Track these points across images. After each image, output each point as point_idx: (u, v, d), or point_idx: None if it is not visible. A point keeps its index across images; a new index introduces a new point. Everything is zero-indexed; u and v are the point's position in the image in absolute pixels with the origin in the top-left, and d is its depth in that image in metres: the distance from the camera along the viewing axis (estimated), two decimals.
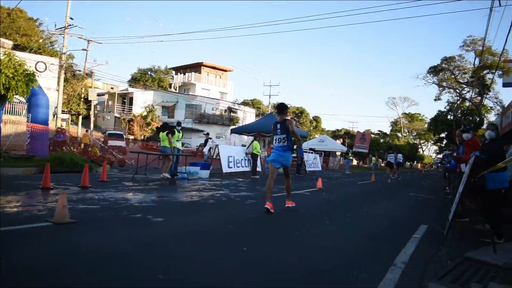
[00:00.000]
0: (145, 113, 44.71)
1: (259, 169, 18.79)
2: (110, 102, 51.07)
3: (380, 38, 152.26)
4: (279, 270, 3.96)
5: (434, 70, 41.58)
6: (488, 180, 6.01)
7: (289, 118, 7.84)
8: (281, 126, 7.62)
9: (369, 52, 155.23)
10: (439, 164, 47.26)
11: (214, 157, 18.93)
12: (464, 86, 41.85)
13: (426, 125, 71.85)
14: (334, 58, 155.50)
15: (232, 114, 57.81)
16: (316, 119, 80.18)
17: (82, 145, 19.99)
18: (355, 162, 59.09)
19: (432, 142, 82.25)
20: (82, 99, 37.07)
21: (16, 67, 12.40)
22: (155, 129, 42.60)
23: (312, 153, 30.04)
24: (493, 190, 6.06)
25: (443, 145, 55.80)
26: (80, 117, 36.79)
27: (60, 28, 28.72)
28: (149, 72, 58.50)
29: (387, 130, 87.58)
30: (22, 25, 41.53)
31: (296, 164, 22.05)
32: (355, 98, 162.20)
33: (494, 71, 31.43)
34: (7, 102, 14.00)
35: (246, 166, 18.41)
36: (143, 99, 48.65)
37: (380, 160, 60.22)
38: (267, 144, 31.59)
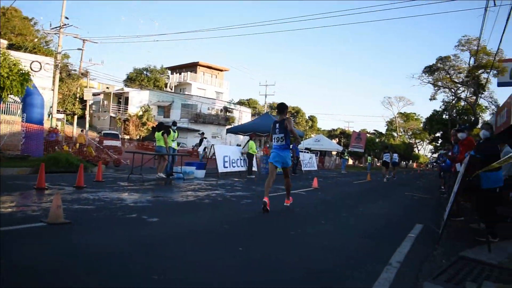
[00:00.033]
0: (140, 113, 44.62)
1: (254, 168, 18.79)
2: (105, 102, 50.92)
3: (375, 38, 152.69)
4: (274, 270, 3.95)
5: (429, 70, 41.65)
6: (483, 180, 6.03)
7: (288, 118, 7.89)
8: (280, 125, 7.71)
9: (365, 51, 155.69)
10: (435, 164, 47.43)
11: (210, 157, 18.91)
12: (459, 85, 41.96)
13: (421, 125, 71.97)
14: (330, 58, 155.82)
15: (228, 113, 57.79)
16: (312, 118, 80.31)
17: (78, 145, 19.91)
18: (350, 162, 59.19)
19: (427, 141, 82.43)
20: (78, 99, 36.96)
21: (11, 67, 12.35)
22: (150, 129, 42.55)
23: (308, 152, 30.09)
24: (487, 189, 6.08)
25: (439, 144, 55.90)
26: (76, 117, 36.68)
27: (55, 27, 28.56)
28: (144, 72, 58.33)
29: (382, 129, 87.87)
30: (17, 24, 41.28)
31: (292, 164, 22.05)
32: (351, 98, 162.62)
33: (489, 70, 31.53)
34: (1, 102, 13.94)
35: (242, 166, 18.40)
36: (139, 99, 48.55)
37: (376, 159, 60.34)
38: (262, 144, 31.60)
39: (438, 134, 52.68)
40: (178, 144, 17.60)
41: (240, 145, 27.44)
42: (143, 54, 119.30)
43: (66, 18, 28.16)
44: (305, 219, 7.28)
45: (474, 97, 40.63)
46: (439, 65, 40.70)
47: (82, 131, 28.30)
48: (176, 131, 14.09)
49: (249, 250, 4.62)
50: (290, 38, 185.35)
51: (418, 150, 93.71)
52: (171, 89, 57.82)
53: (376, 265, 4.29)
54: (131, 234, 4.97)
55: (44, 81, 27.70)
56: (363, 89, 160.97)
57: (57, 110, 30.80)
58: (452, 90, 42.91)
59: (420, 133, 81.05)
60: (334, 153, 55.71)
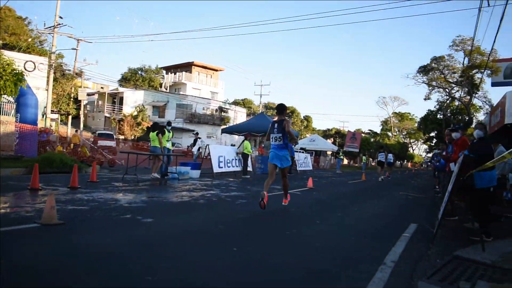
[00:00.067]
0: (135, 113, 44.50)
1: (250, 169, 18.76)
2: (100, 102, 50.72)
3: (370, 38, 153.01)
4: (268, 270, 3.95)
5: (424, 70, 41.76)
6: (476, 179, 6.05)
7: (286, 118, 7.96)
8: (278, 125, 7.78)
9: (359, 52, 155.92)
10: (429, 163, 47.57)
11: (205, 157, 18.86)
12: (453, 85, 42.09)
13: (416, 124, 72.26)
14: (325, 58, 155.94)
15: (223, 113, 57.75)
16: (307, 118, 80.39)
17: (72, 145, 19.82)
18: (345, 162, 59.31)
19: (422, 141, 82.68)
20: (72, 99, 36.79)
21: (4, 67, 12.28)
22: (145, 129, 42.43)
23: (303, 152, 30.09)
24: (481, 189, 6.11)
25: (433, 144, 56.04)
26: (70, 117, 36.51)
27: (50, 27, 28.40)
28: (139, 72, 58.15)
29: (377, 129, 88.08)
30: (10, 24, 41.02)
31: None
32: (346, 98, 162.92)
33: (483, 70, 31.66)
34: None
35: (237, 166, 18.38)
36: (134, 99, 48.41)
37: (371, 159, 60.48)
38: (258, 144, 31.60)
39: (432, 134, 52.83)
40: (173, 144, 17.52)
41: (234, 145, 27.43)
42: (138, 54, 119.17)
43: (60, 17, 28.03)
44: (300, 219, 7.28)
45: (468, 97, 40.78)
46: (433, 65, 40.81)
47: (76, 131, 28.23)
48: (171, 131, 14.04)
49: (244, 250, 4.62)
50: (285, 38, 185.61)
51: (413, 150, 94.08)
52: (166, 89, 57.70)
53: (370, 264, 4.30)
54: (126, 235, 4.96)
55: (38, 81, 27.57)
56: (358, 89, 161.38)
57: (51, 110, 30.62)
58: (447, 90, 43.05)
59: (415, 132, 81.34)
60: (329, 153, 55.76)
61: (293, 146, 19.72)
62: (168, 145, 13.65)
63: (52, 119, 31.18)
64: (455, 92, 43.18)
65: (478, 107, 44.17)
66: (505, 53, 68.71)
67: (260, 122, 23.40)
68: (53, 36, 28.15)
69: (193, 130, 33.54)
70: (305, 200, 10.15)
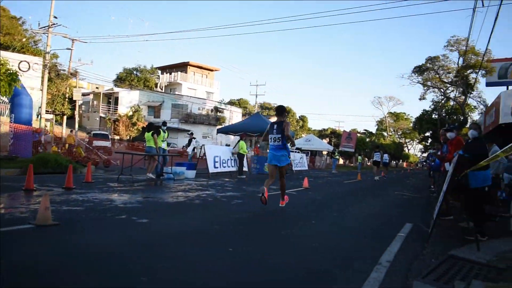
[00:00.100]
0: (130, 113, 44.38)
1: (245, 169, 18.76)
2: (95, 102, 50.56)
3: (365, 38, 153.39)
4: (262, 271, 3.94)
5: (419, 70, 41.94)
6: (471, 179, 6.07)
7: (286, 121, 8.06)
8: (277, 126, 7.89)
9: (355, 52, 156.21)
10: (424, 163, 47.75)
11: (201, 157, 18.82)
12: (448, 85, 42.30)
13: (411, 124, 72.54)
14: (320, 58, 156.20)
15: (218, 113, 57.71)
16: (303, 118, 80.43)
17: (67, 145, 19.76)
18: (341, 162, 59.39)
19: (417, 141, 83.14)
20: (67, 99, 36.60)
21: None
22: (141, 129, 42.30)
23: (298, 152, 30.11)
24: (476, 188, 6.13)
25: (428, 144, 56.34)
26: (65, 117, 36.34)
27: (44, 27, 28.29)
28: (134, 72, 58.01)
29: (373, 129, 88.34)
30: (4, 23, 40.79)
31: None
32: (341, 98, 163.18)
33: (477, 70, 31.84)
34: None
35: (233, 166, 18.36)
36: (129, 99, 48.29)
37: (366, 159, 60.63)
38: (253, 144, 31.58)
39: (427, 134, 53.12)
40: (168, 144, 17.49)
41: (229, 145, 27.38)
42: (133, 54, 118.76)
43: (55, 17, 27.96)
44: (295, 219, 7.28)
45: (463, 97, 41.00)
46: (428, 65, 41.00)
47: (71, 131, 28.11)
48: (166, 131, 14.02)
49: (242, 251, 4.61)
50: (281, 38, 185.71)
51: (408, 150, 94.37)
52: (161, 89, 57.63)
53: (366, 264, 4.30)
54: (121, 236, 4.94)
55: (32, 81, 27.41)
56: (353, 89, 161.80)
57: (46, 111, 30.48)
58: (441, 90, 43.26)
59: (410, 132, 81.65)
60: (324, 153, 55.85)
61: (289, 146, 19.71)
62: (164, 145, 13.62)
63: (46, 120, 31.01)
64: (450, 92, 43.42)
65: (472, 107, 44.45)
66: (499, 53, 68.98)
67: (255, 122, 23.36)
68: (47, 36, 28.04)
69: (189, 130, 33.50)
70: (300, 200, 10.15)
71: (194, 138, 21.07)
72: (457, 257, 4.74)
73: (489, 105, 19.92)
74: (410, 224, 7.21)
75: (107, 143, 28.37)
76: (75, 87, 35.15)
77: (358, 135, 64.15)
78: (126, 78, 55.79)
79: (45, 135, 25.20)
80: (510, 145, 4.23)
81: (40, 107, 27.49)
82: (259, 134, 23.34)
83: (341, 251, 5.04)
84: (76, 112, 34.41)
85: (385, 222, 7.65)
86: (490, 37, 28.47)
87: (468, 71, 37.17)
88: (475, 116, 42.72)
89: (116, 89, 49.56)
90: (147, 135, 13.11)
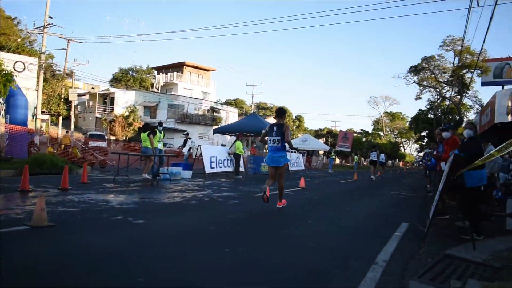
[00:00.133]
0: (126, 114, 44.29)
1: (242, 169, 18.74)
2: (91, 103, 50.42)
3: (361, 38, 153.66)
4: (258, 271, 3.94)
5: (415, 70, 42.01)
6: (466, 178, 6.09)
7: (287, 125, 8.16)
8: (277, 129, 8.00)
9: (351, 52, 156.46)
10: (420, 162, 47.86)
11: (197, 157, 18.80)
12: (444, 85, 42.40)
13: (407, 124, 72.65)
14: (317, 58, 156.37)
15: (215, 114, 57.68)
16: (299, 118, 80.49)
17: (62, 146, 19.66)
18: (337, 161, 59.48)
19: (413, 140, 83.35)
20: (62, 100, 36.49)
21: None
22: (137, 130, 42.23)
23: (295, 152, 30.11)
24: (471, 188, 6.14)
25: (424, 143, 56.50)
26: (60, 117, 36.22)
27: (39, 27, 28.21)
28: (130, 72, 57.87)
29: (369, 129, 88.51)
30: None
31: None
32: (337, 98, 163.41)
33: (473, 70, 31.95)
34: None
35: (229, 166, 18.35)
36: (125, 99, 48.17)
37: (363, 159, 60.73)
38: (250, 144, 31.56)
39: (423, 133, 53.20)
40: (165, 144, 17.46)
41: (224, 145, 27.37)
42: (128, 54, 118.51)
43: (50, 17, 27.91)
44: (292, 219, 7.28)
45: (459, 97, 41.09)
46: (424, 65, 41.09)
47: (67, 132, 27.94)
48: (162, 132, 13.98)
49: (238, 251, 4.60)
50: (277, 38, 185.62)
51: (404, 149, 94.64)
52: (158, 89, 57.52)
53: (362, 264, 4.30)
54: (116, 237, 4.93)
55: (28, 82, 27.37)
56: (350, 89, 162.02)
57: (42, 111, 30.39)
58: (437, 89, 43.35)
59: (406, 132, 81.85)
60: (321, 152, 55.88)
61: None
62: (160, 145, 13.59)
63: (42, 120, 30.93)
64: (445, 92, 43.52)
65: (468, 106, 44.59)
66: (494, 53, 69.27)
67: (252, 122, 23.35)
68: (43, 36, 27.97)
69: (185, 131, 33.48)
70: (297, 200, 10.16)
71: (190, 139, 21.05)
72: (453, 256, 4.76)
73: (484, 105, 20.01)
74: (406, 223, 7.22)
75: (103, 144, 28.25)
76: (71, 87, 35.06)
77: (355, 135, 64.27)
78: (122, 79, 55.66)
79: (41, 136, 25.14)
80: (503, 144, 4.25)
81: (36, 107, 27.42)
82: (256, 134, 23.33)
83: (338, 250, 5.04)
84: (72, 113, 34.33)
85: (381, 222, 7.66)
86: (485, 37, 28.63)
87: (464, 71, 37.28)
88: (471, 115, 42.91)
89: (112, 90, 49.45)
90: (143, 135, 13.06)
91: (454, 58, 38.89)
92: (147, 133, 12.92)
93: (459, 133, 21.76)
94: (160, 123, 14.35)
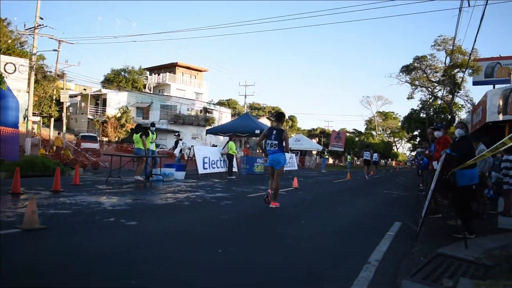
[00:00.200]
0: (119, 115, 44.06)
1: (235, 169, 18.72)
2: (83, 104, 50.10)
3: (354, 38, 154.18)
4: (253, 271, 3.94)
5: (407, 69, 42.29)
6: (458, 177, 6.12)
7: (286, 131, 8.56)
8: (276, 133, 8.30)
9: (343, 51, 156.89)
10: (413, 162, 48.09)
11: (190, 158, 18.76)
12: (435, 84, 42.71)
13: (399, 123, 73.04)
14: (309, 58, 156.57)
15: (207, 114, 57.55)
16: (292, 118, 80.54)
17: (54, 148, 19.52)
18: (331, 161, 59.63)
19: (406, 140, 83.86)
20: (54, 101, 36.22)
21: None
22: (129, 131, 42.02)
23: (288, 152, 30.13)
24: (463, 186, 6.18)
25: (417, 142, 56.82)
26: (52, 119, 35.97)
27: (30, 28, 27.99)
28: (122, 73, 57.57)
29: (362, 128, 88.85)
30: None
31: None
32: (330, 98, 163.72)
33: (464, 70, 32.18)
34: None
35: (222, 167, 18.32)
36: (117, 100, 47.95)
37: (356, 158, 60.93)
38: (243, 144, 31.55)
39: (416, 133, 53.54)
40: (157, 145, 17.40)
41: (216, 145, 27.32)
42: (120, 55, 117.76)
43: (41, 18, 27.66)
44: (285, 219, 7.28)
45: (451, 96, 41.38)
46: (416, 64, 41.37)
47: (59, 133, 27.84)
48: (155, 133, 13.92)
49: (228, 252, 4.60)
50: (270, 38, 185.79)
51: (397, 149, 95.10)
52: (150, 90, 57.29)
53: (355, 263, 4.32)
54: (109, 239, 4.90)
55: (19, 83, 27.08)
56: (342, 88, 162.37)
57: (33, 113, 30.15)
58: (429, 89, 43.66)
59: (399, 131, 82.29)
60: (314, 152, 56.00)
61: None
62: (152, 146, 13.52)
63: (34, 122, 30.69)
64: (437, 91, 43.84)
65: (460, 105, 44.89)
66: (485, 52, 69.76)
67: (245, 122, 23.36)
68: (33, 37, 27.74)
69: (178, 131, 33.39)
70: (290, 200, 10.16)
71: (181, 140, 21.00)
72: (445, 255, 4.78)
73: (476, 104, 20.13)
74: (399, 222, 7.26)
75: (95, 145, 28.11)
76: (62, 88, 34.81)
77: (347, 134, 64.43)
78: (114, 79, 55.36)
79: (32, 138, 24.95)
80: (495, 145, 4.27)
81: (27, 109, 27.18)
82: (249, 135, 23.36)
83: (331, 250, 5.05)
84: (64, 114, 34.10)
85: (374, 221, 7.69)
86: (476, 37, 28.89)
87: (455, 70, 37.54)
88: (463, 114, 43.20)
89: (104, 91, 49.19)
90: (136, 136, 12.98)
91: (446, 57, 39.21)
92: (139, 134, 12.83)
93: (451, 132, 21.88)
94: (153, 124, 14.29)
